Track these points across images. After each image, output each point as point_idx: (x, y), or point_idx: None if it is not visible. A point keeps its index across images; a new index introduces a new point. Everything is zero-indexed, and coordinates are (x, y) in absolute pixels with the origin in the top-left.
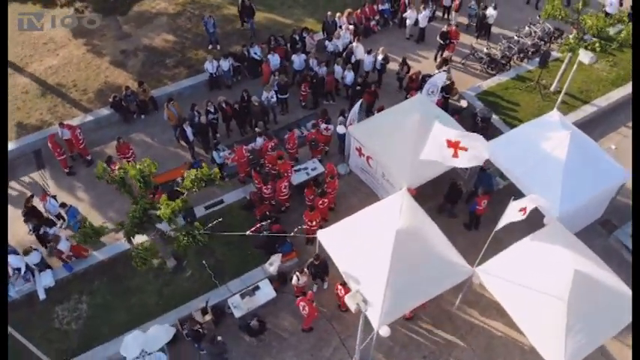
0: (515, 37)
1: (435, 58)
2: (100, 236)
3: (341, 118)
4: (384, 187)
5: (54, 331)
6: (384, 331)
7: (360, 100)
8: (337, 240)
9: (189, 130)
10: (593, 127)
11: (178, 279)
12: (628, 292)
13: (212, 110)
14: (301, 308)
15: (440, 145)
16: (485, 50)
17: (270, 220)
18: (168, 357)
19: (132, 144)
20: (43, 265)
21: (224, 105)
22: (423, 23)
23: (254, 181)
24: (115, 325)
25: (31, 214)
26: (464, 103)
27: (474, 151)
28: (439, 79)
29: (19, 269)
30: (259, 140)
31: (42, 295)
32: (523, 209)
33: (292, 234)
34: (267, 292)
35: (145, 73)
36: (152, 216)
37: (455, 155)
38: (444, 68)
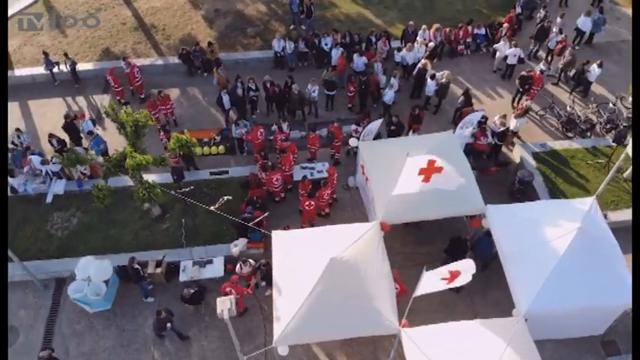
0: (611, 104)
1: (513, 102)
2: (81, 164)
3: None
4: (371, 212)
5: (43, 232)
6: (282, 350)
7: (382, 119)
8: (287, 245)
9: (226, 98)
10: None
11: (156, 227)
12: None
13: (253, 87)
14: (228, 292)
15: (412, 176)
16: (568, 108)
17: (256, 206)
18: (115, 290)
19: (184, 98)
20: (62, 175)
21: (268, 85)
22: (511, 60)
23: (257, 163)
24: (89, 246)
25: (69, 128)
26: (516, 157)
27: (448, 175)
28: (477, 115)
29: (40, 171)
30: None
31: (49, 199)
32: (448, 278)
33: (250, 224)
34: (216, 268)
35: (225, 36)
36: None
37: (426, 180)
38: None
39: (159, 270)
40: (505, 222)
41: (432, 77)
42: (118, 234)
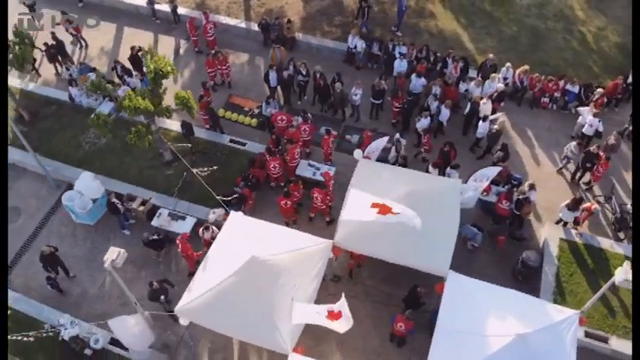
0: None
1: (573, 177)
2: (101, 90)
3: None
4: None
5: (76, 140)
6: (183, 321)
7: (387, 137)
8: (236, 228)
9: (273, 76)
10: None
11: (160, 171)
12: None
13: (303, 72)
14: (176, 245)
15: (362, 207)
16: (629, 205)
17: (248, 184)
18: (102, 211)
19: (249, 65)
20: (112, 98)
21: (318, 75)
22: (587, 130)
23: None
24: (102, 166)
25: (132, 60)
26: (542, 236)
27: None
28: (493, 170)
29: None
30: (300, 119)
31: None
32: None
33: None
34: (185, 226)
35: (312, 18)
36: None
37: (382, 213)
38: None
39: (142, 208)
40: (459, 295)
41: (485, 119)
42: (128, 165)
